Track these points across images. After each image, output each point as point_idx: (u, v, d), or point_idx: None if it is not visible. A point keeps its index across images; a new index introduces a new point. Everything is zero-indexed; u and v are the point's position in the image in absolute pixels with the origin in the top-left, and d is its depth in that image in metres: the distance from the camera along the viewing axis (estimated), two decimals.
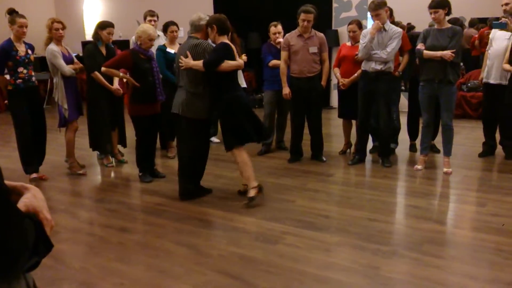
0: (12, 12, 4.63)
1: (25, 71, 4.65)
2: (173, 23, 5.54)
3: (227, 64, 3.95)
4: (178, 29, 5.65)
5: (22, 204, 0.97)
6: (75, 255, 3.24)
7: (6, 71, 4.65)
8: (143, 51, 4.55)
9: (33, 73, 4.77)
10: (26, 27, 4.62)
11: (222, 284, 2.80)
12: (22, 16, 4.62)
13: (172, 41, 5.52)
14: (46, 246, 0.95)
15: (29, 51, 4.73)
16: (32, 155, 4.86)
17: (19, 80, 4.62)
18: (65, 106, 4.87)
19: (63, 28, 4.81)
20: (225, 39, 4.05)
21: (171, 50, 5.36)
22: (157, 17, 5.87)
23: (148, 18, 5.74)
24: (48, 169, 5.20)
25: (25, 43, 4.72)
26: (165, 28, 5.56)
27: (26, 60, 4.67)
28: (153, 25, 5.50)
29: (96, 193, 4.66)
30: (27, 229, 0.89)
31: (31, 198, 1.00)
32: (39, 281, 1.17)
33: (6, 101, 4.91)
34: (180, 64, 4.05)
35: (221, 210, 4.01)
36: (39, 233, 0.93)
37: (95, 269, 3.03)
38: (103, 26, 5.07)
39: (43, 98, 10.04)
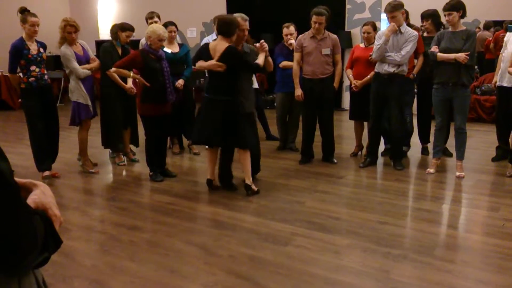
0: (24, 11, 4.64)
1: (37, 69, 4.67)
2: (171, 23, 5.56)
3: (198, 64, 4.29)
4: (177, 29, 5.67)
5: (31, 200, 0.98)
6: (87, 253, 3.27)
7: (19, 69, 4.68)
8: (153, 51, 4.57)
9: (45, 72, 4.79)
10: (38, 26, 4.63)
11: (231, 284, 2.80)
12: (34, 15, 4.62)
13: (170, 41, 5.50)
14: (55, 243, 0.96)
15: (41, 50, 4.74)
16: (45, 153, 4.90)
17: (32, 79, 4.65)
18: (88, 102, 4.92)
19: (76, 31, 4.78)
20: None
21: (168, 50, 5.38)
22: (158, 18, 5.83)
23: (149, 21, 5.73)
24: (60, 167, 5.25)
25: (37, 42, 4.73)
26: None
27: (39, 59, 4.68)
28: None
29: (107, 192, 4.70)
30: (37, 226, 0.90)
31: (40, 195, 1.01)
32: (51, 278, 1.19)
33: (20, 99, 4.95)
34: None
35: (231, 211, 4.01)
36: (49, 230, 0.94)
37: (105, 267, 3.05)
38: (124, 28, 5.14)
39: (56, 96, 10.16)
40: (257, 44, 4.27)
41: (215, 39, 4.45)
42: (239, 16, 4.27)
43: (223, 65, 4.07)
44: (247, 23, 4.30)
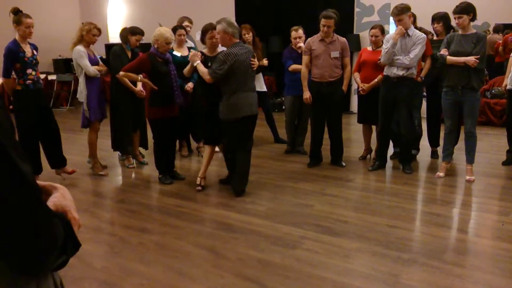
0: (17, 12, 4.48)
1: (33, 72, 4.57)
2: (181, 26, 5.60)
3: None
4: (186, 33, 5.70)
5: (51, 203, 0.99)
6: (97, 255, 3.29)
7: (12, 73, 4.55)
8: (160, 54, 4.60)
9: (39, 75, 4.71)
10: (33, 27, 4.51)
11: (239, 287, 2.80)
12: (28, 16, 4.50)
13: (180, 44, 5.52)
14: (74, 245, 0.97)
15: (35, 52, 4.64)
16: (32, 158, 4.71)
17: (29, 81, 4.54)
18: (85, 107, 4.93)
19: (99, 35, 4.93)
20: None
21: (177, 53, 5.40)
22: (190, 23, 6.04)
23: (185, 23, 5.88)
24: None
25: (30, 44, 4.62)
26: (173, 31, 5.61)
27: (34, 61, 4.59)
28: (189, 31, 5.81)
29: (117, 194, 4.73)
30: (56, 228, 0.91)
31: (60, 198, 1.02)
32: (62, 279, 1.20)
33: (11, 106, 4.76)
34: (254, 66, 4.40)
35: (240, 213, 4.02)
36: (68, 232, 0.95)
37: (115, 269, 3.07)
38: (134, 32, 5.17)
39: (66, 99, 10.25)
40: None
41: None
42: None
43: None
44: (218, 30, 4.31)
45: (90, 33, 4.83)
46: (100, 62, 5.11)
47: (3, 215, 0.82)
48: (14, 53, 4.44)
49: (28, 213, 0.84)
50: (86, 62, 4.81)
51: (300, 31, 5.68)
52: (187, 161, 5.84)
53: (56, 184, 1.08)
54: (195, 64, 4.44)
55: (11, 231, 0.83)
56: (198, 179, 4.66)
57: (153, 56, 4.59)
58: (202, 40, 4.78)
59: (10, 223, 0.83)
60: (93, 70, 4.85)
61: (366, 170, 5.26)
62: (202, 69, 4.35)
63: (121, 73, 4.64)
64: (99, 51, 5.28)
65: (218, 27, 4.26)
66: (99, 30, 4.94)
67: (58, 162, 4.99)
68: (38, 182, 1.00)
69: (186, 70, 4.71)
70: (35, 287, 0.94)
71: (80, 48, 4.83)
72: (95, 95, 4.97)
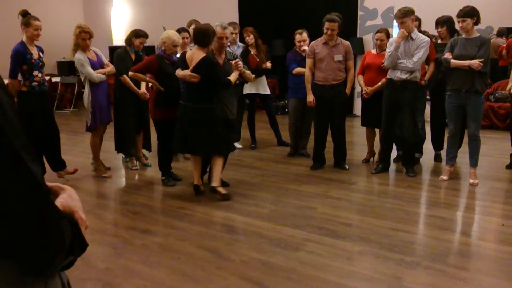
0: (26, 14, 4.51)
1: (39, 74, 4.59)
2: (184, 29, 5.61)
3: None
4: (190, 35, 5.69)
5: (58, 204, 1.00)
6: (100, 256, 3.30)
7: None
8: (167, 57, 4.64)
9: (45, 77, 4.73)
10: (41, 29, 4.54)
11: None
12: (37, 19, 4.53)
13: (183, 47, 5.52)
14: (81, 246, 0.98)
15: (41, 54, 4.67)
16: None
17: (35, 83, 4.56)
18: (88, 113, 4.95)
19: (90, 37, 4.80)
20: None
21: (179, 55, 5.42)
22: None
23: (193, 26, 5.92)
24: None
25: (36, 46, 4.63)
26: None
27: (40, 64, 4.61)
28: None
29: (120, 195, 4.74)
30: (64, 229, 0.92)
31: (67, 199, 1.03)
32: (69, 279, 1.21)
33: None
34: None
35: (243, 215, 4.02)
36: (75, 233, 0.96)
37: (118, 270, 3.08)
38: (138, 35, 5.18)
39: (70, 101, 10.28)
40: (232, 62, 4.36)
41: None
42: (219, 25, 4.36)
43: (197, 76, 4.18)
44: (227, 31, 4.37)
45: (79, 37, 4.75)
46: (106, 62, 5.10)
47: (12, 215, 0.83)
48: (21, 54, 4.47)
49: (37, 213, 0.85)
50: (88, 70, 4.80)
51: (305, 35, 5.69)
52: (190, 163, 5.82)
53: (63, 185, 1.08)
54: (246, 71, 4.50)
55: (19, 230, 0.84)
56: (202, 186, 4.59)
57: (160, 58, 4.64)
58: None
59: (19, 223, 0.83)
60: (96, 76, 4.84)
61: (369, 173, 5.25)
62: (248, 72, 4.60)
63: (130, 73, 4.69)
64: (103, 54, 5.32)
65: (227, 31, 4.38)
66: (89, 33, 4.78)
67: (58, 165, 5.00)
68: (46, 183, 1.00)
69: (233, 79, 4.30)
70: (43, 287, 0.94)
71: (79, 56, 4.79)
72: (101, 98, 4.97)
